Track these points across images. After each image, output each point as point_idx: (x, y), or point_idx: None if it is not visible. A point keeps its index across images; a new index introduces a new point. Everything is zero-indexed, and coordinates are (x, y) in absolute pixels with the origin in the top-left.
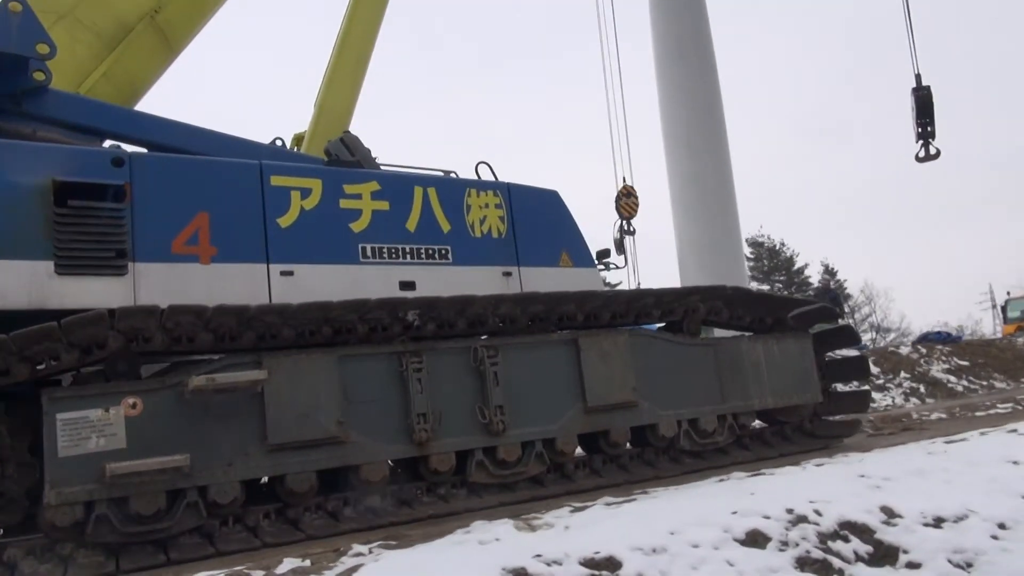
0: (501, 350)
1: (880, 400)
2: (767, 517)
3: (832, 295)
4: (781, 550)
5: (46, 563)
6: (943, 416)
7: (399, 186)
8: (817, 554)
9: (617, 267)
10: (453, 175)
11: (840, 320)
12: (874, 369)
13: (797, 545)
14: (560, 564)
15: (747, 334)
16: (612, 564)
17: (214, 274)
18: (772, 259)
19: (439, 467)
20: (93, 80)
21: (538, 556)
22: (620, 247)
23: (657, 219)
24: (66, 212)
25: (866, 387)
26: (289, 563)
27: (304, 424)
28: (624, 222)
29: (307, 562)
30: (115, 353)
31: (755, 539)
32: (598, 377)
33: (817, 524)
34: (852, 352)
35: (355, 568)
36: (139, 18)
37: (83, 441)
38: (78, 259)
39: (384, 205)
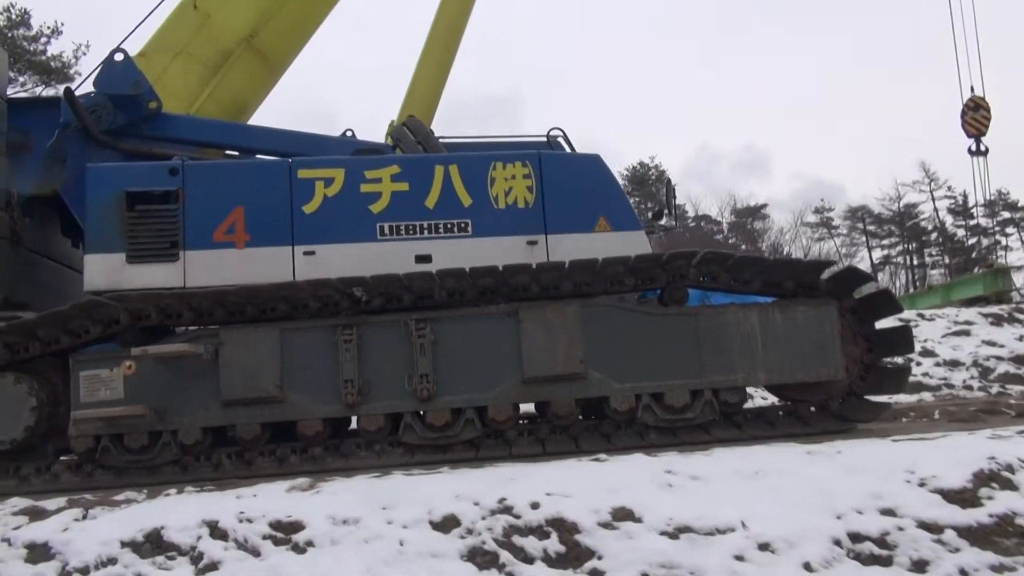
0: (432, 323)
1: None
2: (476, 504)
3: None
4: (462, 537)
5: (76, 476)
6: None
7: (420, 167)
8: (491, 547)
9: (667, 229)
10: (552, 137)
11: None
12: None
13: (479, 535)
14: (251, 522)
15: (739, 302)
16: (295, 527)
17: (247, 257)
18: None
19: (367, 426)
20: (201, 101)
21: (241, 513)
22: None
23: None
24: (134, 215)
25: (904, 364)
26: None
27: (249, 385)
28: (973, 141)
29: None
30: (125, 327)
31: (446, 524)
32: (538, 348)
33: (519, 517)
34: (893, 322)
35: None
36: (237, 43)
37: (96, 392)
38: (143, 250)
39: (404, 186)
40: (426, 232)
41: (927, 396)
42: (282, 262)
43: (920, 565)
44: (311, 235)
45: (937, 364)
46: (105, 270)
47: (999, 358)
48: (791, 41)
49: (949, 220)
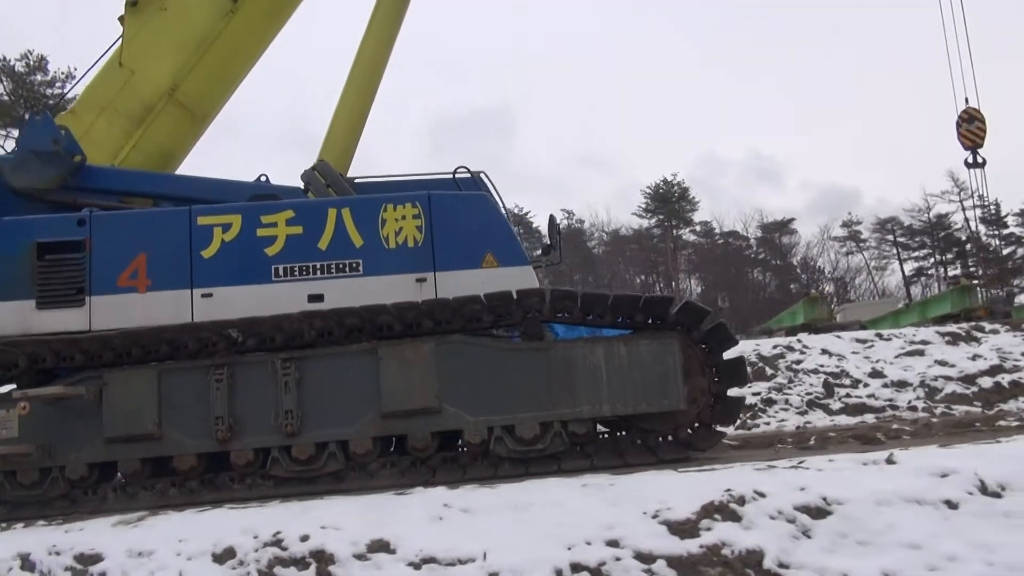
0: (297, 361)
1: None
2: (256, 536)
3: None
4: (233, 568)
5: None
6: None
7: (314, 211)
8: None
9: (554, 263)
10: (463, 169)
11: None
12: None
13: (247, 566)
14: (59, 555)
15: (586, 336)
16: (95, 559)
17: (148, 300)
18: None
19: (237, 461)
20: (125, 153)
21: (53, 547)
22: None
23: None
24: (44, 264)
25: (738, 395)
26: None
27: (129, 423)
28: (970, 153)
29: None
30: (24, 370)
31: (223, 556)
32: (396, 384)
33: (286, 549)
34: (733, 354)
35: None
36: (159, 97)
37: None
38: (51, 297)
39: (298, 230)
40: (319, 272)
41: (869, 418)
42: (181, 304)
43: None
44: (209, 278)
45: (885, 385)
46: (16, 317)
47: (948, 378)
48: (794, 46)
49: (982, 230)
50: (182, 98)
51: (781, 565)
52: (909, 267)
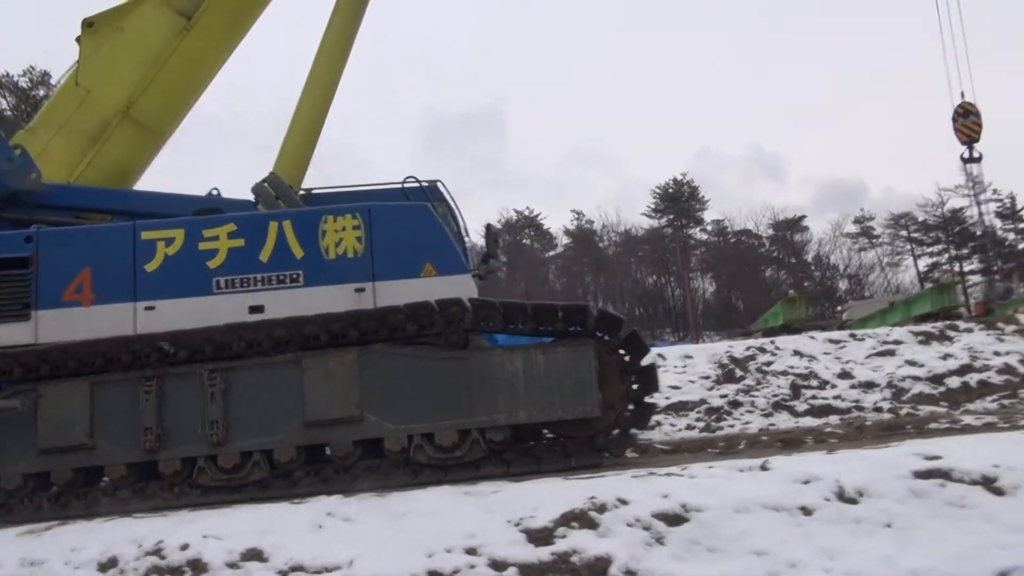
0: (224, 373)
1: None
2: (140, 545)
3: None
4: None
5: None
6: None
7: (256, 224)
8: None
9: (494, 270)
10: (412, 180)
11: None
12: None
13: (126, 575)
14: None
15: (504, 346)
16: None
17: (93, 314)
18: None
19: (165, 470)
20: (81, 169)
21: None
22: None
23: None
24: None
25: (650, 402)
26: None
27: (62, 434)
28: (966, 148)
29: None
30: None
31: (107, 565)
32: (318, 394)
33: (165, 558)
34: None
35: None
36: (114, 115)
37: None
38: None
39: (239, 243)
40: (259, 284)
41: (834, 419)
42: (124, 317)
43: None
44: (152, 291)
45: (853, 386)
46: None
47: (916, 378)
48: (782, 40)
49: (998, 224)
50: (137, 115)
51: (628, 572)
52: (923, 263)
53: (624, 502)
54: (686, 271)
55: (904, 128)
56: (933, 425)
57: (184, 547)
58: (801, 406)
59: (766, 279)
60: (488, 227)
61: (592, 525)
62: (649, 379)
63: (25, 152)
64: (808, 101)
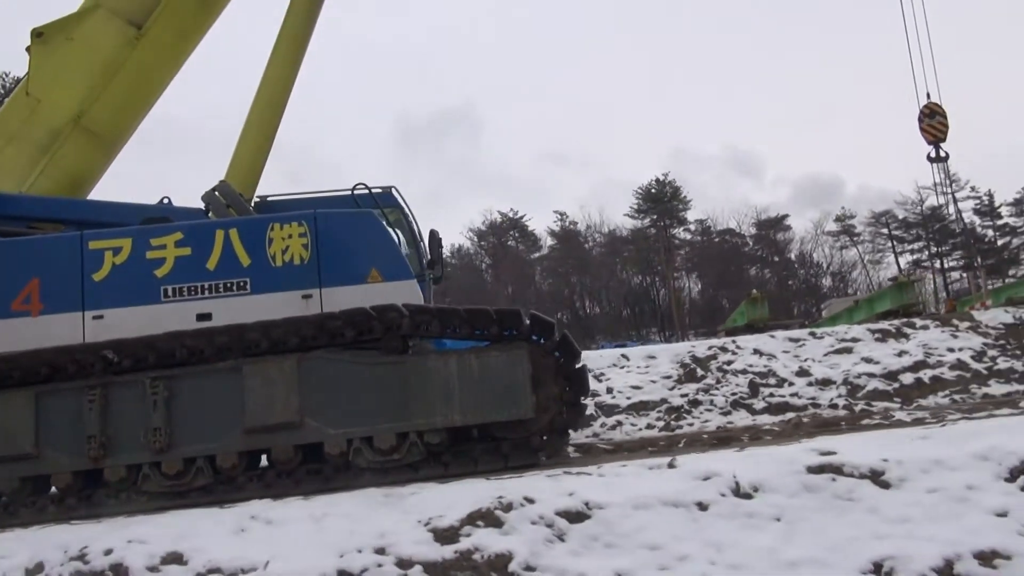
0: (165, 380)
1: None
2: (65, 551)
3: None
4: None
5: None
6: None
7: (202, 232)
8: None
9: (435, 277)
10: (362, 186)
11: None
12: None
13: None
14: None
15: (437, 351)
16: None
17: (41, 324)
18: None
19: (110, 477)
20: (33, 179)
21: None
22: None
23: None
24: None
25: (581, 403)
26: None
27: (8, 444)
28: (932, 148)
29: None
30: None
31: (35, 570)
32: (259, 400)
33: (88, 563)
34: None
35: None
36: (66, 124)
37: None
38: None
39: (186, 251)
40: (207, 292)
41: (791, 416)
42: (73, 327)
43: None
44: (100, 300)
45: (809, 384)
46: None
47: (871, 375)
48: (762, 39)
49: (976, 221)
50: (89, 124)
51: (528, 568)
52: (905, 260)
53: (530, 501)
54: (671, 271)
55: (878, 124)
56: (866, 421)
57: (108, 552)
58: (759, 404)
59: (751, 278)
60: (432, 233)
61: (497, 523)
62: (581, 382)
63: None
64: (781, 98)
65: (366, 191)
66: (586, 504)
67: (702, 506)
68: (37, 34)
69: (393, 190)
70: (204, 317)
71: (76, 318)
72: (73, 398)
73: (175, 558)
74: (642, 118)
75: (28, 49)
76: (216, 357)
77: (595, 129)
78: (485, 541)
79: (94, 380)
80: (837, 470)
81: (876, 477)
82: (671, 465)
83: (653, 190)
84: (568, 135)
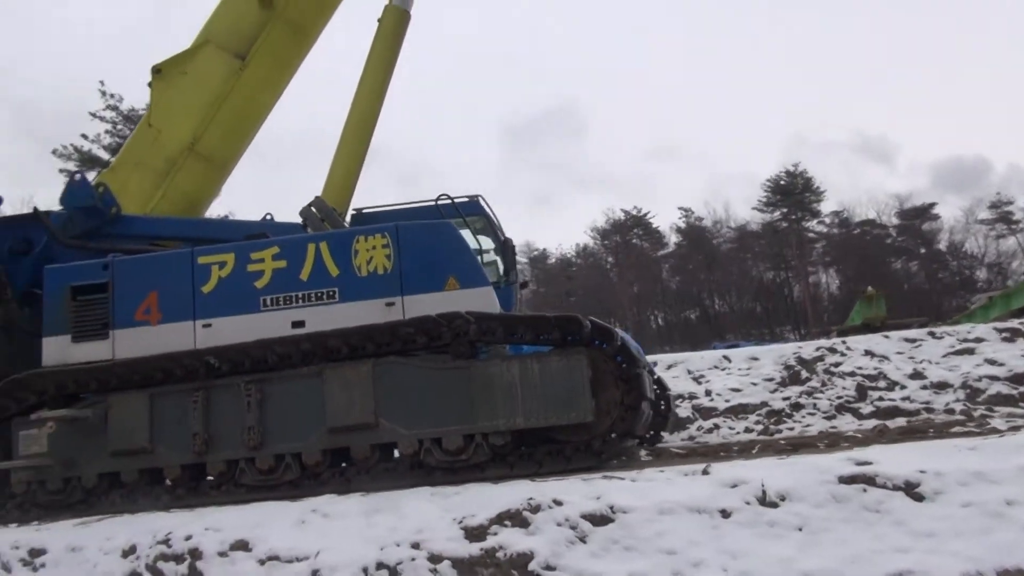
0: (258, 383)
1: None
2: (154, 536)
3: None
4: (131, 561)
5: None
6: None
7: (296, 246)
8: (141, 570)
9: (512, 283)
10: (445, 197)
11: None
12: None
13: (141, 560)
14: (18, 548)
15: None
16: (41, 552)
17: (160, 331)
18: None
19: (212, 471)
20: (155, 202)
21: None
22: None
23: None
24: (77, 303)
25: (637, 406)
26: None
27: (128, 439)
28: None
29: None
30: (54, 396)
31: (128, 552)
32: (339, 402)
33: (171, 547)
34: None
35: None
36: (181, 151)
37: (29, 447)
38: (82, 331)
39: (283, 264)
40: (301, 301)
41: (900, 421)
42: (185, 334)
43: None
44: (208, 310)
45: (924, 387)
46: (57, 349)
47: (994, 378)
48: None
49: None
50: (202, 150)
51: (548, 567)
52: None
53: (558, 503)
54: (805, 265)
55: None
56: (958, 428)
57: (188, 538)
58: (866, 408)
59: (896, 271)
60: (506, 241)
61: (524, 524)
62: (640, 386)
63: (108, 189)
64: (910, 79)
65: (449, 201)
66: (611, 508)
67: (725, 513)
68: (156, 70)
69: (480, 198)
70: (298, 324)
71: (188, 326)
72: (181, 399)
73: (242, 545)
74: (752, 107)
75: (149, 84)
76: (301, 362)
77: (703, 121)
78: (510, 540)
79: (198, 383)
80: (870, 481)
81: (910, 489)
82: (705, 472)
83: (783, 182)
84: (675, 128)
